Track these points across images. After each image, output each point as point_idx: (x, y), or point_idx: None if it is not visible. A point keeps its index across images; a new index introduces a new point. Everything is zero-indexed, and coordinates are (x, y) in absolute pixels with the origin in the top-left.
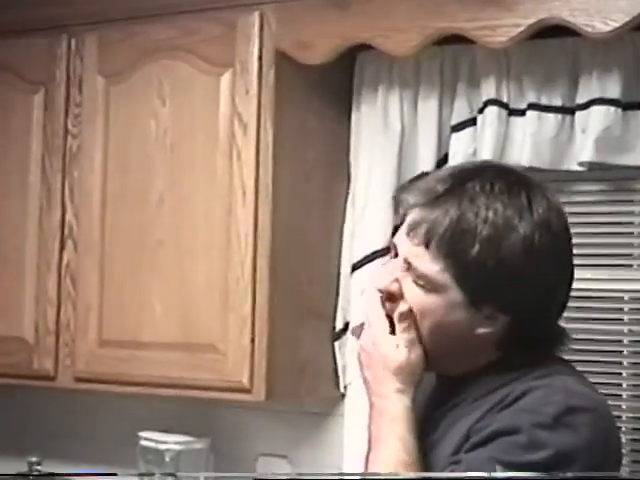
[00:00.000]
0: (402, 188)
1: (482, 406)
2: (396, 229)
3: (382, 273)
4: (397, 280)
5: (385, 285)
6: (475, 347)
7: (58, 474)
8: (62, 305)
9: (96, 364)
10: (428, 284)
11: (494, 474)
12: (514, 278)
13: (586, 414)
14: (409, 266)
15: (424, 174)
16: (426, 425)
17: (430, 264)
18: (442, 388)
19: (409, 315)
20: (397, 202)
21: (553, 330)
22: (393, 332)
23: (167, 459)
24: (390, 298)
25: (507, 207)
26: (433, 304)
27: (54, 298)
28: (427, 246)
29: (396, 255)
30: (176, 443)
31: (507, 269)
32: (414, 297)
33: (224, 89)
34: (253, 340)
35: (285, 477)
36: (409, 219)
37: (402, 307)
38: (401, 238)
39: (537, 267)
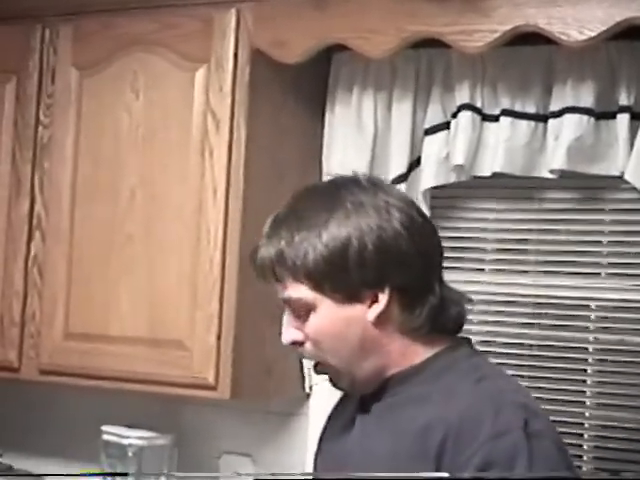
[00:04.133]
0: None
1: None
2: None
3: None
4: (296, 327)
5: (289, 338)
6: (380, 340)
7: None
8: (28, 296)
9: (61, 357)
10: (305, 308)
11: (492, 474)
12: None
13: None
14: (290, 305)
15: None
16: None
17: (296, 291)
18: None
19: None
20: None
21: (445, 307)
22: None
23: (130, 454)
24: (301, 344)
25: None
26: (321, 321)
27: (20, 289)
28: (293, 278)
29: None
30: (139, 438)
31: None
32: (310, 329)
33: (198, 85)
34: (220, 337)
35: (286, 477)
36: (265, 269)
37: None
38: (277, 289)
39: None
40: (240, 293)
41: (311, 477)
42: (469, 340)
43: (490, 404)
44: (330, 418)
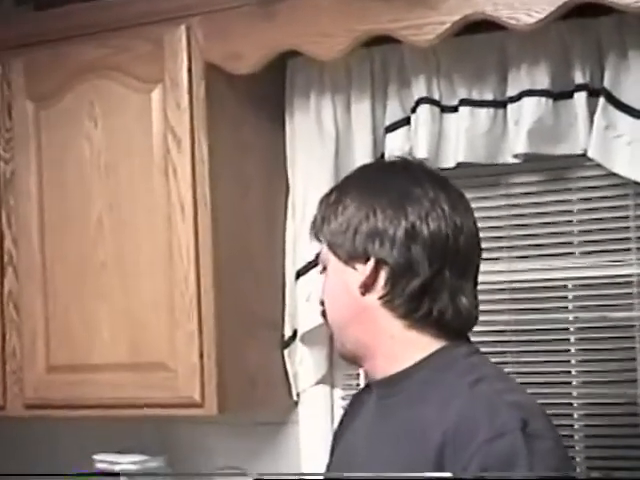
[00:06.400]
0: None
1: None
2: None
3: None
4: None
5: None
6: (367, 313)
7: None
8: (7, 333)
9: (45, 390)
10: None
11: (491, 474)
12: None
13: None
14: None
15: None
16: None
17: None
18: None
19: None
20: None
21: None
22: None
23: None
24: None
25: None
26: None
27: None
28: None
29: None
30: (131, 463)
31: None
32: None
33: (155, 105)
34: (202, 355)
35: (285, 477)
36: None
37: None
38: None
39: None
40: (218, 308)
41: (310, 477)
42: (469, 338)
43: (486, 407)
44: (351, 403)
